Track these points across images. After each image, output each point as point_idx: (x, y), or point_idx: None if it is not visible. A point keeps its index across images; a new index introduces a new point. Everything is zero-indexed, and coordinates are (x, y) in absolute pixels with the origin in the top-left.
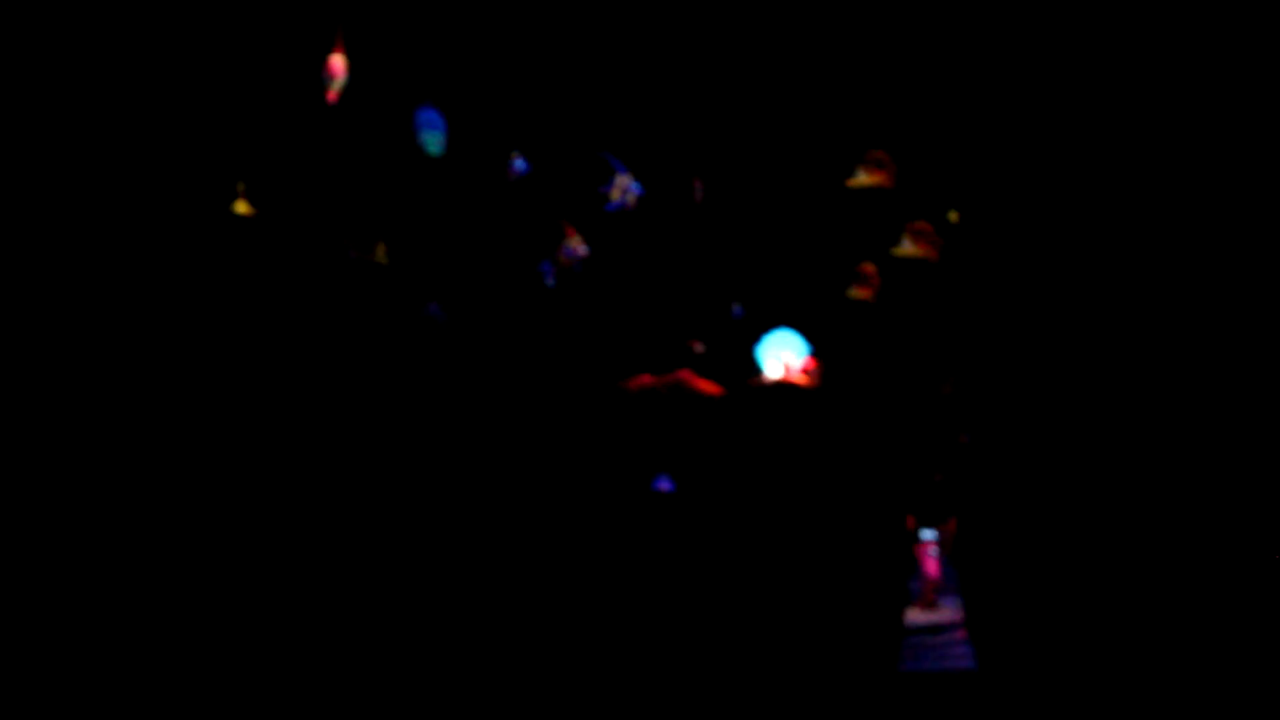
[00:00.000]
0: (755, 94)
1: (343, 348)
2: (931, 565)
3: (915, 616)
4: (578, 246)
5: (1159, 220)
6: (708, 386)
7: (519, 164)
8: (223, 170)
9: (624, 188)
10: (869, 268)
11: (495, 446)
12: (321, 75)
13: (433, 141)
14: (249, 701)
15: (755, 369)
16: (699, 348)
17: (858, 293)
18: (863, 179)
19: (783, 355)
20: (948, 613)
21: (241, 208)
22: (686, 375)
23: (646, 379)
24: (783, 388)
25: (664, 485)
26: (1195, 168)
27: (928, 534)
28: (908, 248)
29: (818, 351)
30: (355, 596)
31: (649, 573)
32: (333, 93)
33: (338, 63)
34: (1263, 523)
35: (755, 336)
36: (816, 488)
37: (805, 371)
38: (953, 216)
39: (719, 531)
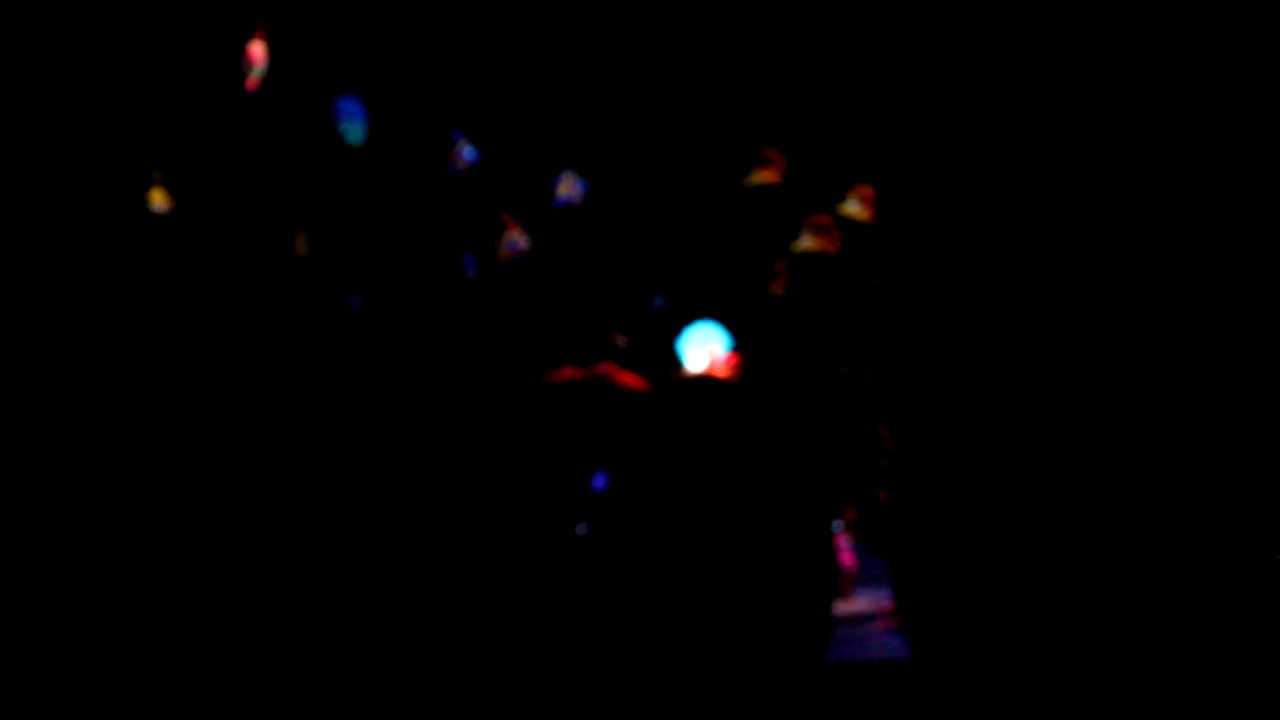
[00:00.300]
0: (662, 93)
1: (260, 339)
2: (846, 556)
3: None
4: (519, 239)
5: (1069, 205)
6: (631, 380)
7: (468, 152)
8: (138, 159)
9: (571, 184)
10: (780, 264)
11: (417, 441)
12: (241, 63)
13: (353, 131)
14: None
15: (677, 362)
16: (621, 341)
17: (772, 287)
18: (758, 177)
19: (705, 348)
20: (863, 603)
21: (158, 197)
22: (610, 368)
23: (569, 372)
24: (705, 381)
25: (598, 483)
26: (1101, 135)
27: (837, 525)
28: (807, 242)
29: (738, 345)
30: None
31: (579, 567)
32: (252, 80)
33: (257, 50)
34: (1179, 491)
35: (677, 329)
36: (741, 480)
37: (727, 364)
38: (847, 210)
39: (646, 525)
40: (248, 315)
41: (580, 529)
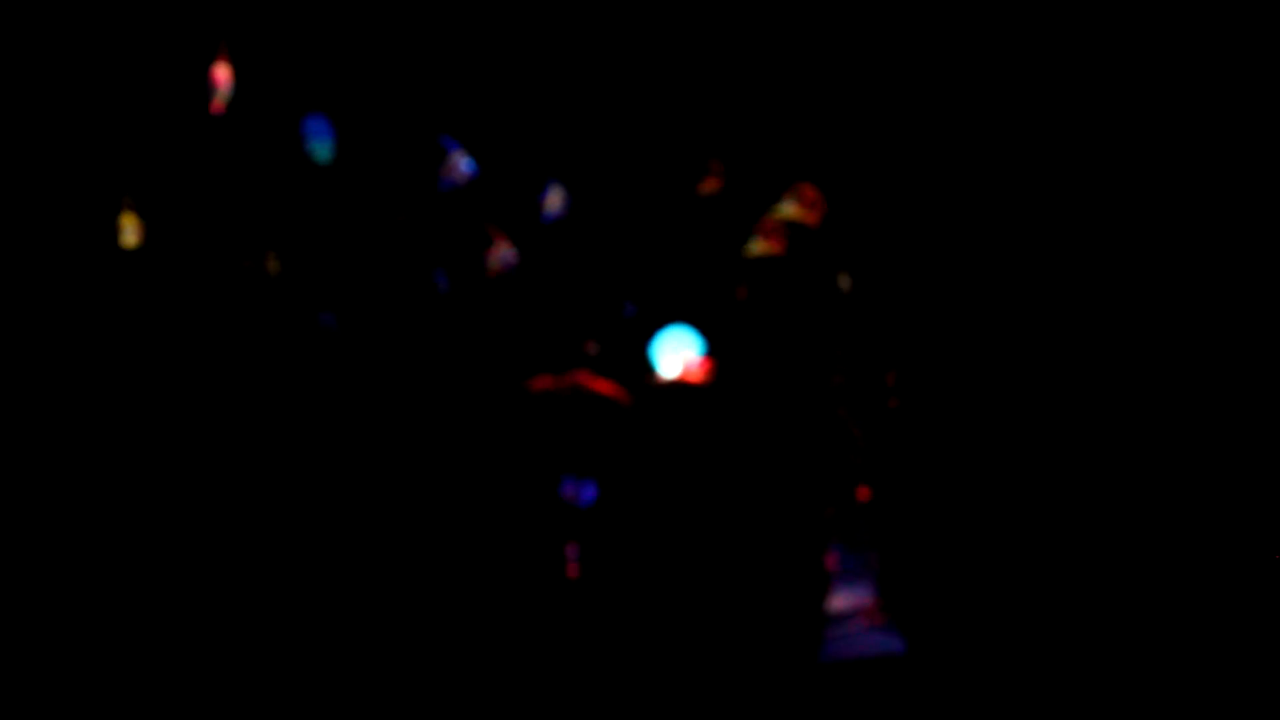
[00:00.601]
0: (614, 99)
1: (237, 359)
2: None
3: None
4: (509, 252)
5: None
6: (606, 387)
7: (465, 164)
8: (109, 186)
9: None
10: (740, 267)
11: (397, 458)
12: (205, 86)
13: (321, 149)
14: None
15: (650, 368)
16: (593, 348)
17: (737, 291)
18: (708, 186)
19: (678, 353)
20: (843, 601)
21: (129, 222)
22: (584, 376)
23: (544, 381)
24: (680, 385)
25: (587, 493)
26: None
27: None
28: (759, 245)
29: (711, 348)
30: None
31: (571, 576)
32: (218, 103)
33: (222, 73)
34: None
35: (648, 335)
36: (728, 482)
37: (700, 369)
38: (784, 212)
39: (637, 531)
40: (224, 337)
41: (571, 541)
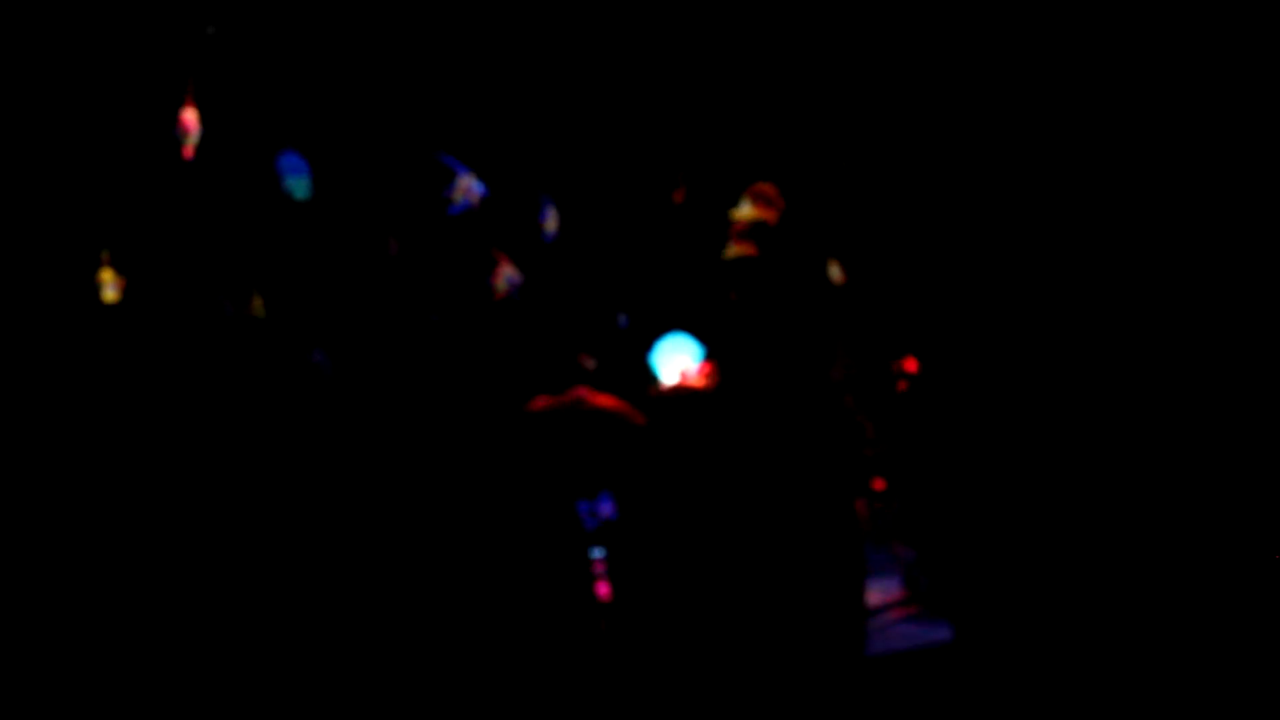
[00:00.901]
0: (594, 113)
1: (229, 405)
2: None
3: None
4: (514, 274)
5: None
6: (607, 401)
7: (477, 186)
8: (85, 240)
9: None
10: (725, 269)
11: (407, 494)
12: (175, 132)
13: (299, 186)
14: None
15: (649, 378)
16: (590, 363)
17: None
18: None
19: (678, 360)
20: (874, 596)
21: (107, 276)
22: (584, 392)
23: (544, 401)
24: (683, 391)
25: (605, 507)
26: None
27: None
28: (734, 249)
29: (709, 352)
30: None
31: (601, 594)
32: (188, 148)
33: (190, 117)
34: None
35: (645, 345)
36: (747, 484)
37: (701, 374)
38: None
39: (663, 542)
40: (214, 383)
41: (596, 552)
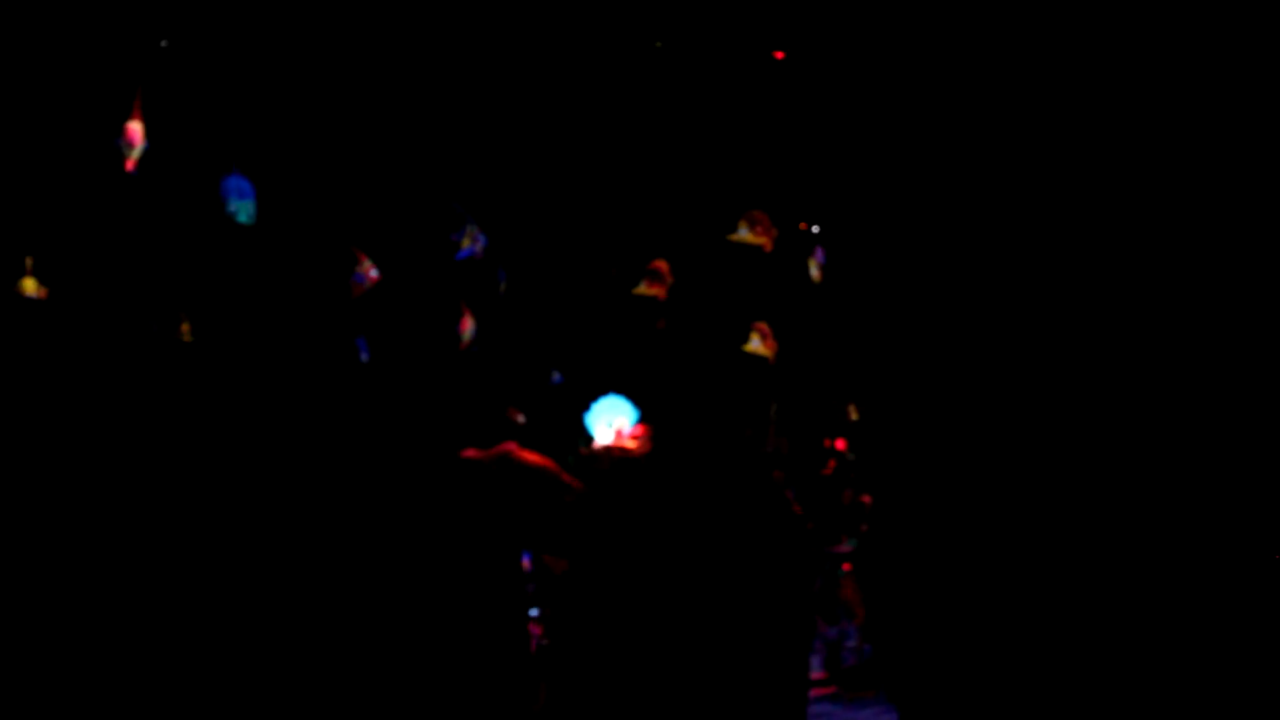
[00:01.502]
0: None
1: (147, 430)
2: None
3: None
4: (472, 326)
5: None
6: (535, 458)
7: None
8: (7, 246)
9: (474, 236)
10: (660, 324)
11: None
12: (118, 143)
13: (243, 210)
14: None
15: (580, 436)
16: (519, 418)
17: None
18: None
19: (612, 421)
20: None
21: (30, 286)
22: (512, 447)
23: (471, 453)
24: (615, 454)
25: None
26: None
27: None
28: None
29: (644, 415)
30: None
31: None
32: (130, 161)
33: (135, 129)
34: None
35: (578, 402)
36: (683, 550)
37: (634, 436)
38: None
39: (597, 602)
40: (133, 403)
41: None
